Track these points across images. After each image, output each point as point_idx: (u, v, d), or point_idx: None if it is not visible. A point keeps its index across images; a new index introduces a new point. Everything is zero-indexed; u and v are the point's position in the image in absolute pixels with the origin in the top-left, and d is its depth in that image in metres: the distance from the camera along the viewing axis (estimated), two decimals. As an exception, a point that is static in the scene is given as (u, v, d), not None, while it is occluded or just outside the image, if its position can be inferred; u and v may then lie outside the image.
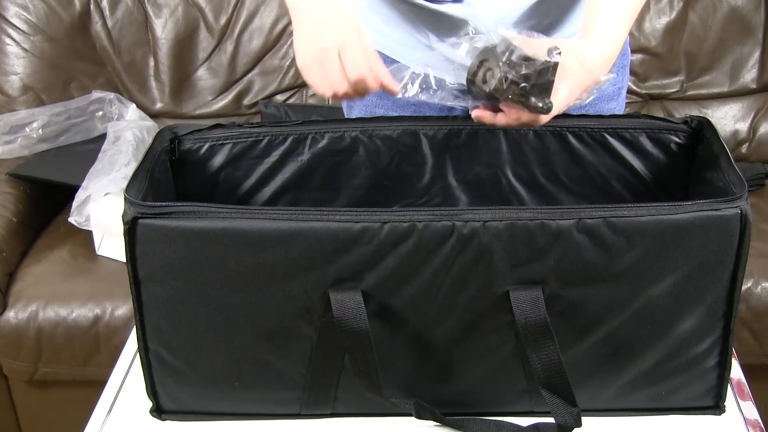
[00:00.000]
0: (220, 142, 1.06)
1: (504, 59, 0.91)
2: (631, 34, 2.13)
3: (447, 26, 1.12)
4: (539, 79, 0.91)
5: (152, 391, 0.99)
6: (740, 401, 1.03)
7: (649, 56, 2.17)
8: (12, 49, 2.15)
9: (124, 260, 0.91)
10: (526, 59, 0.91)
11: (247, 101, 2.23)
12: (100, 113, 2.15)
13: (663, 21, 2.15)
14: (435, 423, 0.99)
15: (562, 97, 0.94)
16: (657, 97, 2.20)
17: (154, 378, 0.98)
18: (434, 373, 0.96)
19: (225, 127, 1.06)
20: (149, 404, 1.00)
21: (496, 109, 0.97)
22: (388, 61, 1.11)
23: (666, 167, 1.06)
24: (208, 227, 0.87)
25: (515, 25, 1.11)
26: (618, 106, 1.26)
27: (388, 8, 1.16)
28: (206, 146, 1.06)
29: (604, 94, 1.22)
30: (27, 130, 2.09)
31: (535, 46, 0.92)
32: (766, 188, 2.07)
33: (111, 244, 1.83)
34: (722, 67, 2.18)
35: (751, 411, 1.01)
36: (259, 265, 0.88)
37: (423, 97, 0.97)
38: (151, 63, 2.21)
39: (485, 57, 0.94)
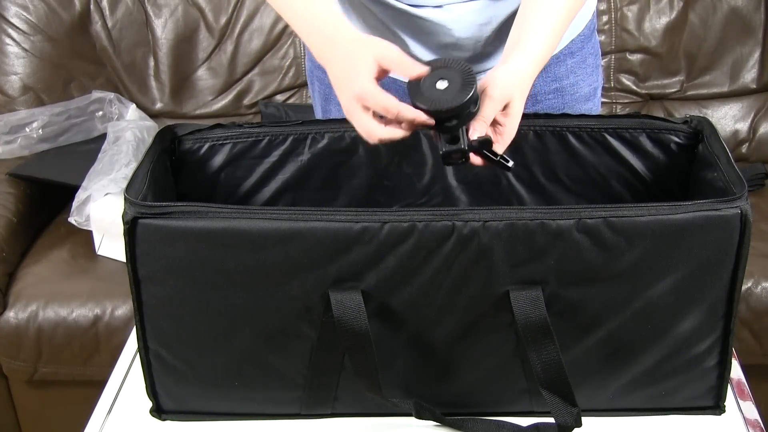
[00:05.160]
0: (220, 142, 1.06)
1: None
2: (631, 34, 2.14)
3: (425, 31, 1.12)
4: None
5: (152, 391, 0.99)
6: (740, 401, 1.03)
7: (649, 56, 2.17)
8: (12, 49, 2.14)
9: (124, 260, 0.91)
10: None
11: (247, 101, 2.23)
12: (100, 113, 2.14)
13: (663, 21, 2.15)
14: (435, 423, 0.99)
15: (518, 112, 0.95)
16: (657, 97, 2.20)
17: (154, 378, 0.98)
18: (434, 373, 0.96)
19: (225, 127, 1.06)
20: (149, 404, 1.00)
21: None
22: None
23: (666, 167, 1.06)
24: (208, 227, 0.87)
25: (494, 31, 1.12)
26: (594, 106, 1.26)
27: (359, 18, 1.15)
28: (206, 146, 1.06)
29: (580, 95, 1.22)
30: (27, 130, 2.09)
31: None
32: (766, 188, 2.06)
33: (111, 244, 1.83)
34: (722, 67, 2.17)
35: (751, 411, 1.01)
36: (259, 265, 0.88)
37: None
38: (151, 63, 2.21)
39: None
